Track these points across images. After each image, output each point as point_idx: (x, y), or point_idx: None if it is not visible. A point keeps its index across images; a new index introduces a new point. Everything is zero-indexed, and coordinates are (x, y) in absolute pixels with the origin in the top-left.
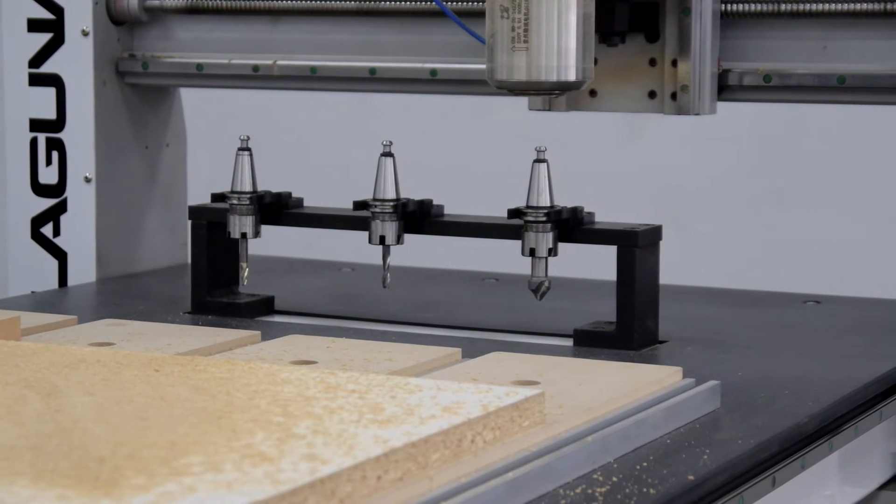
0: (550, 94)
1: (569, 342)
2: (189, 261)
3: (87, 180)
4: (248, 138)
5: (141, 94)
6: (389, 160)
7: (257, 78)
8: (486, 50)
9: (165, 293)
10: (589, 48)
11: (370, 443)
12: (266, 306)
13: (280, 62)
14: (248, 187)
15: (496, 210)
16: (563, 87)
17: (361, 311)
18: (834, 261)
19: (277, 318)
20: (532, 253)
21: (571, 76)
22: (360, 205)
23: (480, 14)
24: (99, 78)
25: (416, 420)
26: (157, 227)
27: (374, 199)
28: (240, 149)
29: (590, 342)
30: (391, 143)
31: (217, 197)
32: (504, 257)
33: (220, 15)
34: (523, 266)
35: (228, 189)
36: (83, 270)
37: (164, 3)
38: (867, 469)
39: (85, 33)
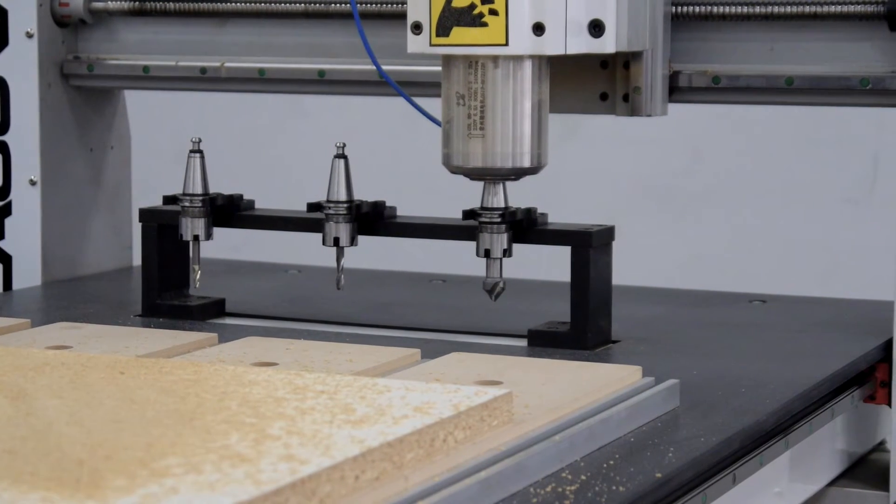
0: (507, 179)
1: (523, 342)
2: (134, 263)
3: (32, 183)
4: (200, 140)
5: (85, 96)
6: (342, 162)
7: (204, 80)
8: (442, 135)
9: (114, 296)
10: (544, 133)
11: (346, 443)
12: (217, 309)
13: (228, 64)
14: (199, 189)
15: (443, 213)
16: (517, 173)
17: (314, 313)
18: (765, 260)
19: (229, 321)
20: (487, 254)
21: (526, 163)
22: (314, 206)
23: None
24: (44, 80)
25: (389, 420)
26: (101, 230)
27: (328, 201)
28: (191, 151)
29: (544, 342)
30: (344, 144)
31: (168, 199)
32: (451, 258)
33: (166, 17)
34: (472, 267)
35: (177, 191)
36: (28, 273)
37: (109, 5)
38: (817, 466)
39: (29, 35)
